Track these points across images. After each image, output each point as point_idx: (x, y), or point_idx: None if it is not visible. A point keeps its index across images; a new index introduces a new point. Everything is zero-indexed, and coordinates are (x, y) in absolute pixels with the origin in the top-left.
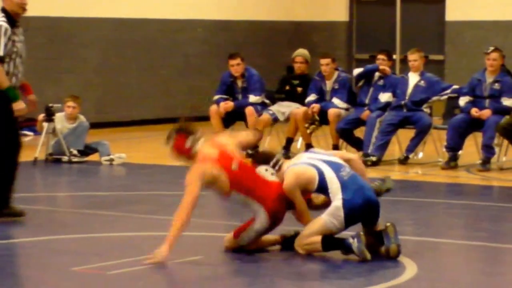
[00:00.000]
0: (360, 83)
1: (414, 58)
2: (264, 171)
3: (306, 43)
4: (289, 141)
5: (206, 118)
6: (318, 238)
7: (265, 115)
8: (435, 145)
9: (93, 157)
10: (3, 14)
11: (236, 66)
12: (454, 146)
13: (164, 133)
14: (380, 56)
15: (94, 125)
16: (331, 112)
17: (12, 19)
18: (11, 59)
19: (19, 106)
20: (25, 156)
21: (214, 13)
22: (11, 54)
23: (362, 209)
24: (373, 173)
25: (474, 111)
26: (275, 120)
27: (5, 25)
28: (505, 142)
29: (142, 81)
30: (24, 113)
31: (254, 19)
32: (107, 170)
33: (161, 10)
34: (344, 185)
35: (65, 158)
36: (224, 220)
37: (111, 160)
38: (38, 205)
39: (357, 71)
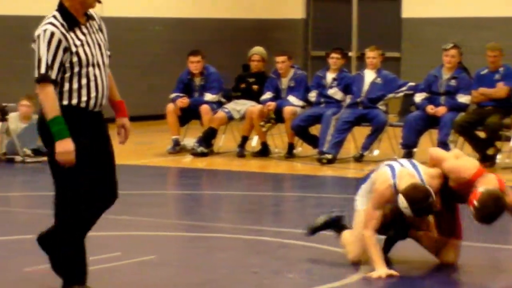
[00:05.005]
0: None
1: (373, 55)
2: None
3: (266, 40)
4: (244, 139)
5: (163, 117)
6: None
7: (220, 113)
8: (390, 142)
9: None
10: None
11: (196, 63)
12: (409, 143)
13: None
14: (334, 55)
15: None
16: (287, 110)
17: (73, 18)
18: (72, 73)
19: (61, 147)
20: None
21: (175, 11)
22: (72, 68)
23: None
24: (328, 171)
25: (430, 108)
26: (230, 118)
27: (51, 29)
28: (461, 139)
29: None
30: (68, 159)
31: (215, 17)
32: None
33: (121, 8)
34: None
35: (18, 158)
36: (177, 220)
37: None
38: None
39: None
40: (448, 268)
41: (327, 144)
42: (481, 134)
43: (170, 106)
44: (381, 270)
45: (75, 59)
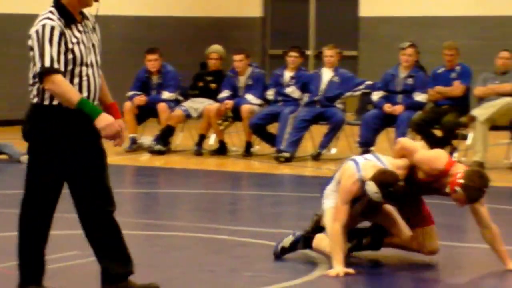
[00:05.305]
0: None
1: (331, 54)
2: None
3: (224, 39)
4: (202, 137)
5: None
6: None
7: (178, 111)
8: (348, 141)
9: (2, 156)
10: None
11: (153, 61)
12: (367, 142)
13: None
14: (292, 53)
15: (8, 123)
16: (244, 108)
17: (70, 15)
18: (65, 72)
19: (102, 122)
20: None
21: (132, 9)
22: (66, 65)
23: None
24: (286, 170)
25: (387, 107)
26: (188, 116)
27: (50, 23)
28: (418, 137)
29: None
30: (113, 131)
31: (173, 15)
32: (17, 168)
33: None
34: None
35: None
36: (134, 218)
37: None
38: None
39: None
40: (408, 265)
41: (285, 143)
42: (438, 133)
43: (127, 104)
44: (338, 268)
45: (70, 56)
